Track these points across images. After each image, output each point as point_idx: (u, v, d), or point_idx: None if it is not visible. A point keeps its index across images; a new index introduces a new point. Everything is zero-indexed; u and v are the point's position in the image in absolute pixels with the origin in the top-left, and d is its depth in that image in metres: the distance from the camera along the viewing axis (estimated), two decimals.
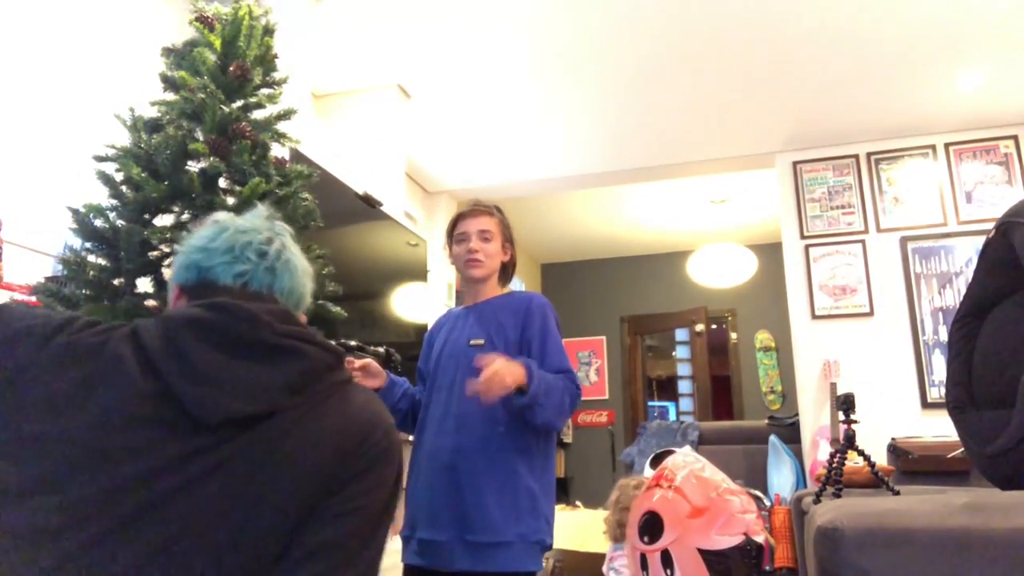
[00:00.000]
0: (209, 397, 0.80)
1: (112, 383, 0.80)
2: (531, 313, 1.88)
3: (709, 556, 1.36)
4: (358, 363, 1.87)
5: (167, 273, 1.80)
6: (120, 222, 1.74)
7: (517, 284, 6.50)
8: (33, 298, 1.68)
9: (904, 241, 4.31)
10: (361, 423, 0.90)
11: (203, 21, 1.89)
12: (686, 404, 6.95)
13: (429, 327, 2.13)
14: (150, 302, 1.70)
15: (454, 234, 1.99)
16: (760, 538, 1.41)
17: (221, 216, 1.03)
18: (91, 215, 1.71)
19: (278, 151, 2.01)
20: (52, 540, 0.73)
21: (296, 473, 0.82)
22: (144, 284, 1.79)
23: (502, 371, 1.59)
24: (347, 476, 0.86)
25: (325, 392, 0.90)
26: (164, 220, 1.81)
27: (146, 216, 1.78)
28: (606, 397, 7.08)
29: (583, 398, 7.13)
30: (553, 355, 1.84)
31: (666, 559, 1.40)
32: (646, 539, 1.45)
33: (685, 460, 1.56)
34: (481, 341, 1.86)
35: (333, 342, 2.56)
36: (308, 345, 0.90)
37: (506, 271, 2.04)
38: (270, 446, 0.82)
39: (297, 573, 0.80)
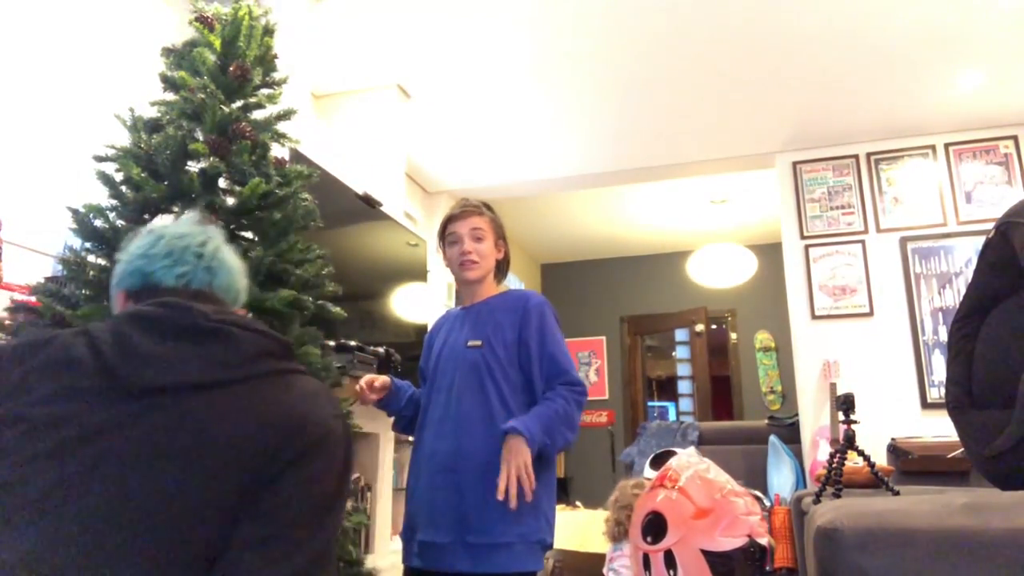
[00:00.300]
0: (137, 370, 0.87)
1: (61, 367, 0.88)
2: (528, 313, 1.86)
3: (712, 557, 1.36)
4: (363, 380, 1.87)
5: None
6: (120, 222, 1.73)
7: (516, 284, 6.50)
8: (33, 298, 1.68)
9: (904, 241, 4.32)
10: (297, 412, 0.91)
11: (203, 21, 1.89)
12: (686, 404, 6.95)
13: (429, 328, 2.12)
14: None
15: (445, 236, 1.97)
16: (764, 540, 1.41)
17: (156, 225, 1.12)
18: (91, 215, 1.71)
19: (278, 151, 2.01)
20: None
21: (221, 448, 0.85)
22: None
23: (517, 465, 1.62)
24: (280, 464, 0.86)
25: (263, 377, 0.93)
26: (164, 220, 1.81)
27: (146, 216, 1.78)
28: (606, 397, 7.08)
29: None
30: (551, 357, 1.83)
31: (669, 559, 1.39)
32: (649, 539, 1.45)
33: (690, 461, 1.56)
34: (479, 343, 1.85)
35: (333, 342, 2.56)
36: (240, 330, 0.95)
37: (501, 269, 2.02)
38: (196, 420, 0.86)
39: (238, 564, 0.82)
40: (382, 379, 1.91)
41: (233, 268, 1.11)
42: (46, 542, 0.78)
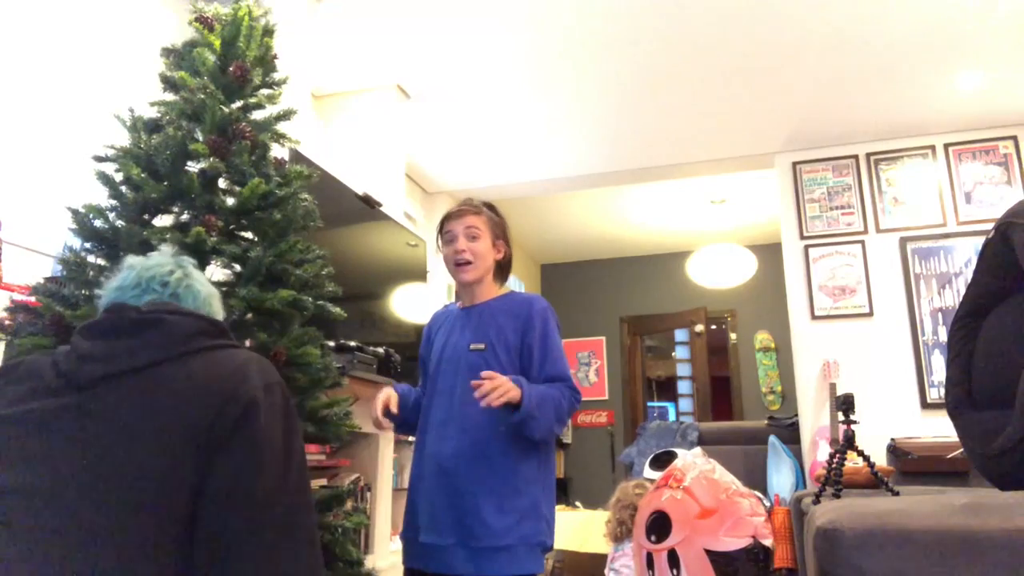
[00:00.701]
0: (80, 366, 1.00)
1: (27, 377, 1.02)
2: (531, 318, 1.85)
3: (716, 557, 1.36)
4: (378, 411, 1.82)
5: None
6: (120, 222, 1.73)
7: (516, 284, 6.49)
8: (32, 298, 1.68)
9: (904, 242, 4.32)
10: (230, 378, 1.01)
11: (203, 21, 1.89)
12: (686, 404, 6.95)
13: (428, 319, 2.10)
14: None
15: (442, 235, 1.96)
16: (768, 541, 1.41)
17: (131, 260, 1.22)
18: (91, 215, 1.71)
19: (278, 152, 2.01)
20: None
21: (165, 418, 0.96)
22: None
23: (503, 387, 1.61)
24: (225, 428, 0.96)
25: (195, 353, 1.04)
26: (164, 220, 1.81)
27: (145, 216, 1.78)
28: (606, 397, 7.08)
29: (583, 399, 7.12)
30: (553, 362, 1.82)
31: (672, 559, 1.40)
32: (653, 538, 1.45)
33: (695, 461, 1.56)
34: (482, 346, 1.84)
35: (333, 343, 2.55)
36: (172, 315, 1.07)
37: (502, 270, 2.00)
38: (138, 398, 0.97)
39: (204, 522, 0.93)
40: (391, 397, 1.86)
41: (200, 294, 1.21)
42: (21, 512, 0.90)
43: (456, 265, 1.90)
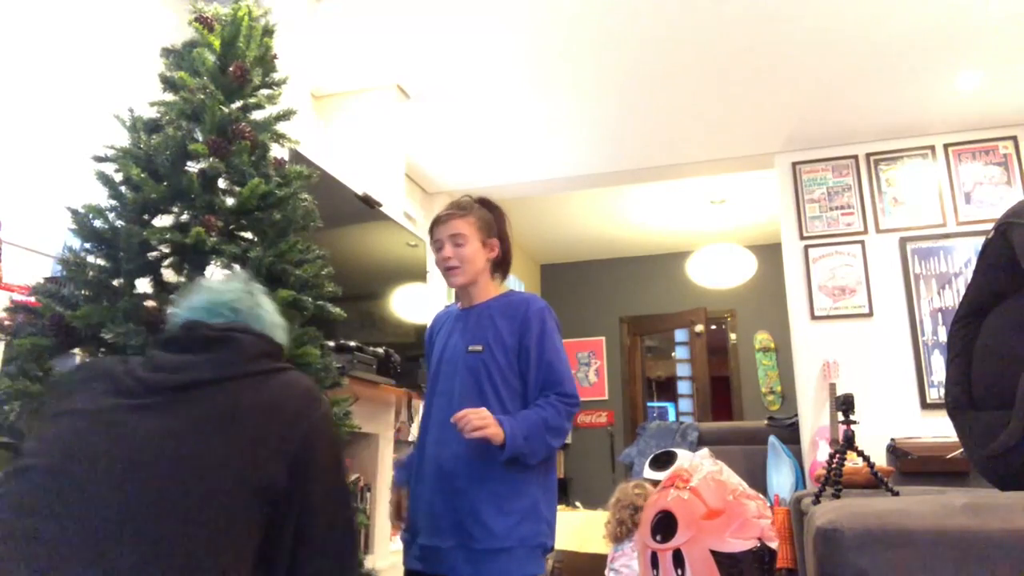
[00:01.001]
0: (156, 374, 1.09)
1: (101, 378, 1.10)
2: (528, 320, 1.83)
3: (721, 558, 1.36)
4: (391, 512, 1.92)
5: (167, 274, 1.80)
6: (119, 223, 1.73)
7: (516, 284, 6.50)
8: (32, 298, 1.68)
9: (903, 242, 4.32)
10: (292, 401, 1.13)
11: (202, 21, 1.89)
12: (685, 405, 6.95)
13: (429, 323, 2.09)
14: (149, 303, 1.70)
15: (432, 242, 1.93)
16: (774, 544, 1.41)
17: (205, 282, 1.33)
18: (90, 216, 1.71)
19: (277, 152, 2.01)
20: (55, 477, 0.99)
21: (240, 428, 1.05)
22: (143, 285, 1.79)
23: (480, 424, 1.64)
24: (297, 442, 1.08)
25: (266, 373, 1.15)
26: (163, 220, 1.81)
27: (145, 217, 1.78)
28: (605, 398, 7.08)
29: (583, 399, 7.12)
30: (551, 367, 1.81)
31: (677, 559, 1.39)
32: (659, 538, 1.45)
33: (703, 462, 1.56)
34: (479, 348, 1.82)
35: (332, 343, 2.55)
36: (241, 334, 1.17)
37: (499, 267, 1.97)
38: (210, 408, 1.06)
39: (281, 526, 1.06)
40: (401, 501, 1.92)
41: (266, 321, 1.29)
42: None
43: (445, 272, 1.89)
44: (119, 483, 0.97)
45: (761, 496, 1.51)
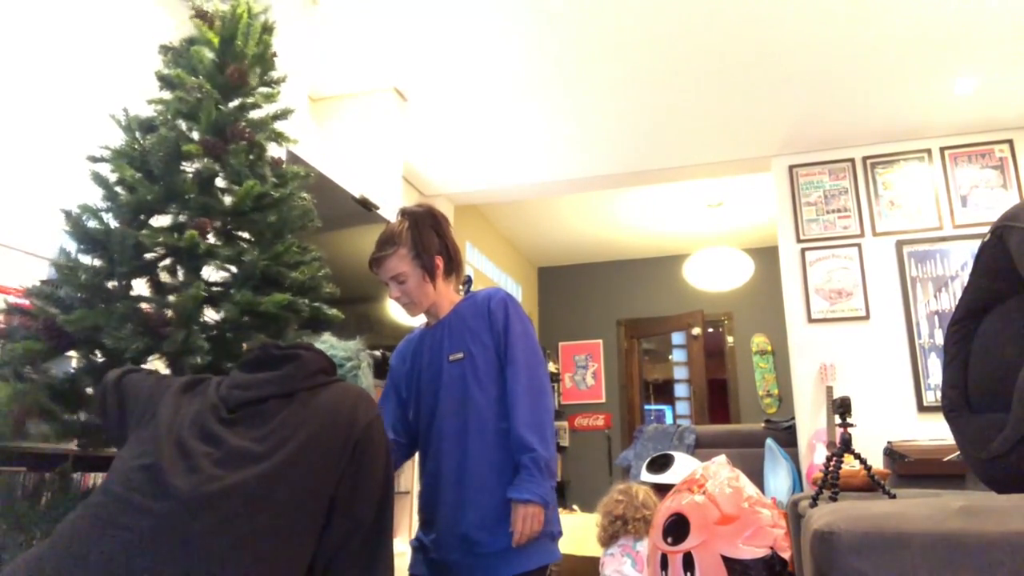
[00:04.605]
0: (231, 392, 1.22)
1: (200, 394, 1.25)
2: (493, 313, 1.82)
3: (732, 564, 1.36)
4: None
5: (163, 276, 1.80)
6: (114, 223, 1.72)
7: (514, 287, 6.49)
8: (27, 301, 1.67)
9: (900, 245, 4.32)
10: (348, 410, 1.22)
11: (202, 17, 1.88)
12: (683, 407, 6.95)
13: (395, 352, 2.03)
14: (145, 305, 1.69)
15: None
16: (787, 554, 1.40)
17: (326, 336, 1.52)
18: (85, 216, 1.70)
19: (275, 151, 2.00)
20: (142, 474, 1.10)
21: (301, 438, 1.14)
22: (139, 287, 1.78)
23: (528, 531, 1.66)
24: (349, 451, 1.16)
25: (321, 387, 1.26)
26: (160, 221, 1.80)
27: (140, 217, 1.77)
28: (603, 400, 7.07)
29: (579, 402, 7.13)
30: (519, 355, 1.78)
31: (688, 562, 1.39)
32: (670, 540, 1.44)
33: (719, 468, 1.55)
34: (460, 355, 1.81)
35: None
36: (304, 351, 1.29)
37: (448, 270, 1.91)
38: (279, 420, 1.17)
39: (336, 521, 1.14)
40: None
41: (362, 383, 1.47)
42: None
43: (402, 306, 1.90)
44: (174, 508, 1.05)
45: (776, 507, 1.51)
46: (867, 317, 4.29)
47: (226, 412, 1.18)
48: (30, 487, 1.66)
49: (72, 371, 1.65)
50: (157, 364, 1.70)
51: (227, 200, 1.82)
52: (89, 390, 1.64)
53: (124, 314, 1.63)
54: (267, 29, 1.97)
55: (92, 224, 1.70)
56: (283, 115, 1.94)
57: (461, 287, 2.01)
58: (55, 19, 2.46)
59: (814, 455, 4.03)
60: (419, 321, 2.03)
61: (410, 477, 3.33)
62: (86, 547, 0.98)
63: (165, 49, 1.93)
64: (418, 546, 1.82)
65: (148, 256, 1.75)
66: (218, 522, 1.02)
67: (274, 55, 2.00)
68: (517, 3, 3.16)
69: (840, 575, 0.98)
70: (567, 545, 3.88)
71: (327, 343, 1.47)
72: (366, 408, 1.24)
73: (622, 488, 2.86)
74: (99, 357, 1.68)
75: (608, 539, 2.78)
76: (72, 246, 1.73)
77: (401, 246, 1.84)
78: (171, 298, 1.68)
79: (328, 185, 3.00)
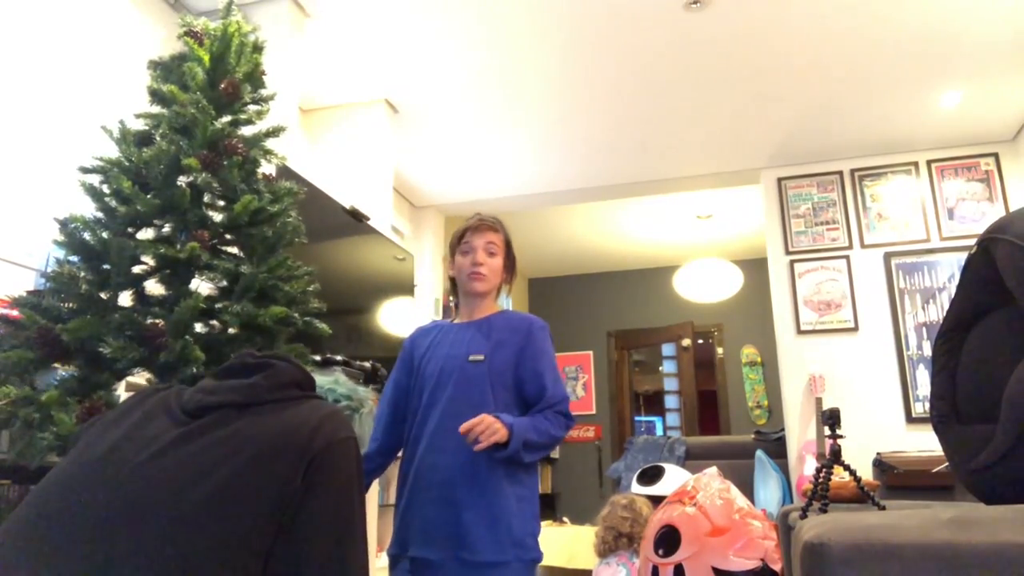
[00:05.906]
0: (195, 397, 1.14)
1: (161, 407, 1.16)
2: (532, 335, 1.86)
3: None
4: None
5: (156, 288, 1.79)
6: (105, 234, 1.72)
7: (504, 299, 6.49)
8: (15, 312, 1.66)
9: (888, 257, 4.36)
10: (314, 425, 1.12)
11: (193, 36, 1.89)
12: (673, 419, 6.95)
13: (407, 340, 2.05)
14: (153, 321, 1.68)
15: (459, 245, 1.94)
16: (777, 566, 1.40)
17: (340, 375, 1.49)
18: (79, 228, 1.69)
19: (265, 167, 2.01)
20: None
21: (257, 448, 1.06)
22: (126, 298, 1.77)
23: (488, 429, 1.63)
24: (305, 465, 1.06)
25: (291, 400, 1.17)
26: (150, 234, 1.80)
27: (131, 230, 1.77)
28: (593, 412, 7.07)
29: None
30: (554, 383, 1.84)
31: (679, 574, 1.39)
32: (661, 552, 1.44)
33: (710, 480, 1.55)
34: (481, 357, 1.82)
35: (319, 357, 2.54)
36: (279, 361, 1.21)
37: (504, 284, 2.00)
38: (239, 428, 1.08)
39: (293, 547, 1.03)
40: None
41: (366, 429, 1.46)
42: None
43: (470, 276, 1.90)
44: (131, 519, 0.99)
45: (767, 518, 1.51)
46: (856, 329, 4.32)
47: (182, 415, 1.11)
48: (15, 500, 1.64)
49: (56, 381, 1.64)
50: (146, 376, 1.69)
51: (214, 215, 1.82)
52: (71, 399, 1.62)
53: (121, 324, 1.62)
54: (257, 48, 1.99)
55: (86, 235, 1.69)
56: (275, 132, 1.95)
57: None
58: (43, 31, 2.46)
59: (804, 466, 4.04)
60: (407, 334, 2.03)
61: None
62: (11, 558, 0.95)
63: (155, 64, 1.93)
64: (398, 553, 1.80)
65: (140, 268, 1.75)
66: (140, 540, 0.95)
67: (263, 73, 2.02)
68: (507, 17, 3.18)
69: None
70: (558, 557, 3.87)
71: (335, 379, 1.45)
72: (333, 428, 1.12)
73: (625, 503, 2.85)
74: (89, 368, 1.66)
75: (607, 551, 2.77)
76: (62, 256, 1.72)
77: (501, 232, 1.96)
78: (175, 308, 1.67)
79: (318, 196, 2.99)
